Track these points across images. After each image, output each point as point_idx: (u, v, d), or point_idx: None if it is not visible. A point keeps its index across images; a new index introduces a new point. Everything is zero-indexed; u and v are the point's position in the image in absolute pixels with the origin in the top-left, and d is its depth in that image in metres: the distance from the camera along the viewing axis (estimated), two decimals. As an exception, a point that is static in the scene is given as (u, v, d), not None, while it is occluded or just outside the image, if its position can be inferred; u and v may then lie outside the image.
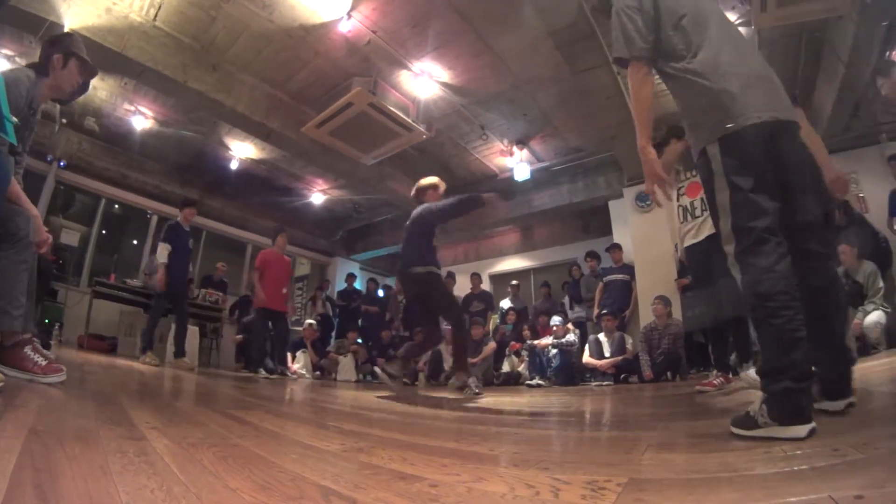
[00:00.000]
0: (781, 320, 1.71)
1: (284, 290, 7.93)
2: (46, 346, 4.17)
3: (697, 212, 4.35)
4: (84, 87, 3.19)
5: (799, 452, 1.38)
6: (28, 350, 2.53)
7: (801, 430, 1.58)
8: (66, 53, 2.96)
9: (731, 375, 4.31)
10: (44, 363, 2.54)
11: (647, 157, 2.29)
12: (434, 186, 5.56)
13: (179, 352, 6.97)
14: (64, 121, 8.38)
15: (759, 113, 1.90)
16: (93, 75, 3.18)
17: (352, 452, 1.61)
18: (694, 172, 4.33)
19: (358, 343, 9.80)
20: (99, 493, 0.94)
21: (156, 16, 6.06)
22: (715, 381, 4.22)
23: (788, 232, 1.88)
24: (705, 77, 2.00)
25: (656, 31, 2.18)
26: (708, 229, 4.11)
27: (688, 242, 4.43)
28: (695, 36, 2.09)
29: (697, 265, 4.39)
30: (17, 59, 6.51)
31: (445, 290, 5.23)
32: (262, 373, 7.19)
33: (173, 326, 7.14)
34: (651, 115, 2.33)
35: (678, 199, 4.57)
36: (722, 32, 2.10)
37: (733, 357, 4.46)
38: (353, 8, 5.90)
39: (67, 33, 3.48)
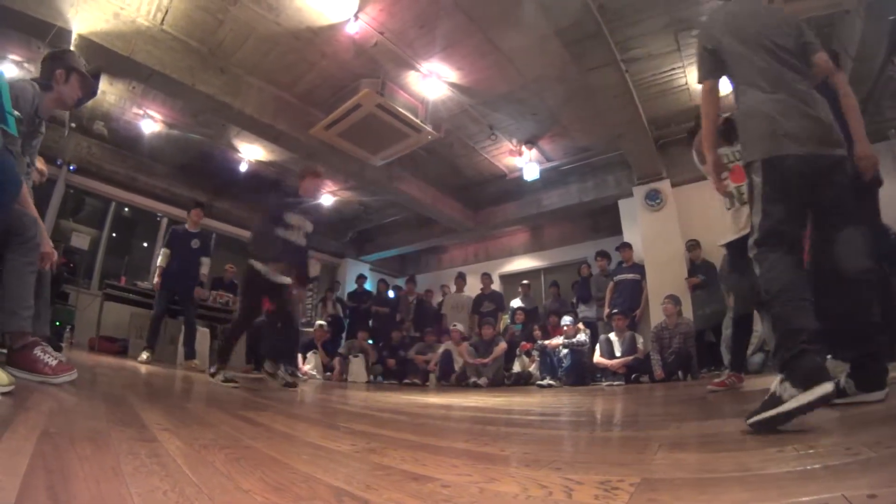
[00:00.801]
0: (786, 304, 1.95)
1: (294, 292, 7.97)
2: (57, 349, 4.19)
3: (745, 197, 4.04)
4: (92, 93, 3.26)
5: (812, 451, 1.36)
6: (38, 352, 2.54)
7: (827, 386, 1.67)
8: (67, 69, 3.08)
9: (743, 375, 4.26)
10: (54, 363, 2.55)
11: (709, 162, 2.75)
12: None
13: (189, 353, 7.06)
14: (73, 125, 8.43)
15: (800, 145, 2.14)
16: (92, 90, 3.32)
17: (363, 453, 1.61)
18: (737, 155, 4.12)
19: (369, 343, 9.81)
20: (111, 494, 0.94)
21: (163, 20, 6.08)
22: (727, 381, 4.18)
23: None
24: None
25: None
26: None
27: (725, 239, 4.20)
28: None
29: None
30: (26, 64, 6.55)
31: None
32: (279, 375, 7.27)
33: (183, 329, 7.27)
34: (712, 128, 2.70)
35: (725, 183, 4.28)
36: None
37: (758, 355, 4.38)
38: (360, 9, 5.90)
39: (67, 49, 3.58)
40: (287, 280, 5.01)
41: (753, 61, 2.35)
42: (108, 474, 1.07)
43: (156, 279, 7.05)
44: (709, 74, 2.57)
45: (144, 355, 6.59)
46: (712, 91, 2.60)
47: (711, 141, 2.71)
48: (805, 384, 1.69)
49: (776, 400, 1.75)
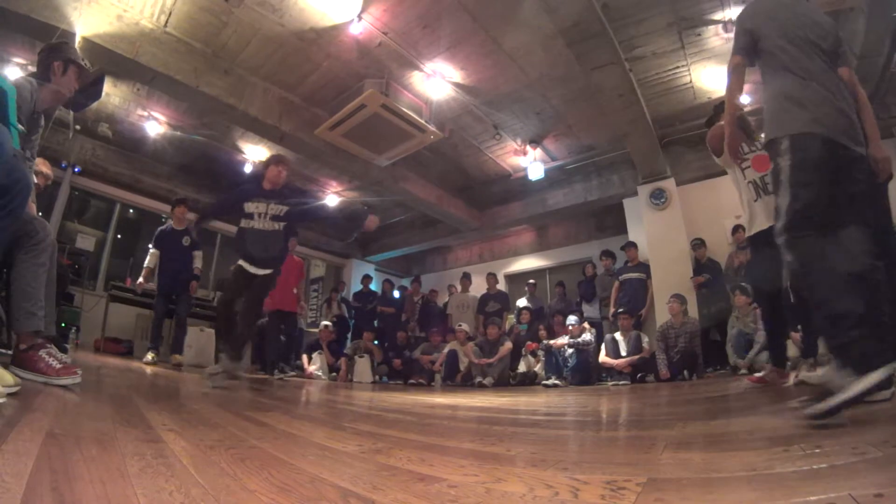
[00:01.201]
0: (825, 289, 1.96)
1: (294, 291, 8.00)
2: (63, 350, 4.20)
3: (770, 187, 3.83)
4: (97, 94, 3.28)
5: (818, 451, 1.35)
6: (43, 353, 2.55)
7: (884, 371, 1.68)
8: (65, 60, 3.08)
9: (787, 371, 4.11)
10: (58, 366, 2.56)
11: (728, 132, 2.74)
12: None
13: (176, 349, 7.09)
14: (77, 127, 8.45)
15: (827, 131, 2.17)
16: (88, 81, 3.31)
17: (369, 453, 1.60)
18: (758, 145, 4.04)
19: (374, 344, 9.81)
20: (117, 495, 0.94)
21: (167, 22, 6.09)
22: (767, 377, 4.12)
23: None
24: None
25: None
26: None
27: (759, 227, 3.93)
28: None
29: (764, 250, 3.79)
30: (30, 67, 6.56)
31: None
32: (283, 373, 7.38)
33: (174, 324, 7.30)
34: (734, 99, 2.74)
35: (744, 174, 4.09)
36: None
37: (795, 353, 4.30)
38: (363, 10, 5.90)
39: (64, 42, 3.57)
40: (263, 271, 4.86)
41: (788, 49, 2.38)
42: (113, 475, 1.06)
43: (140, 279, 7.04)
44: (740, 51, 2.61)
45: (150, 356, 6.59)
46: (738, 66, 2.63)
47: (732, 112, 2.75)
48: (861, 369, 1.68)
49: (836, 387, 1.73)
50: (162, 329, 7.14)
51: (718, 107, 4.38)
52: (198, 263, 7.27)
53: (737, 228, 7.78)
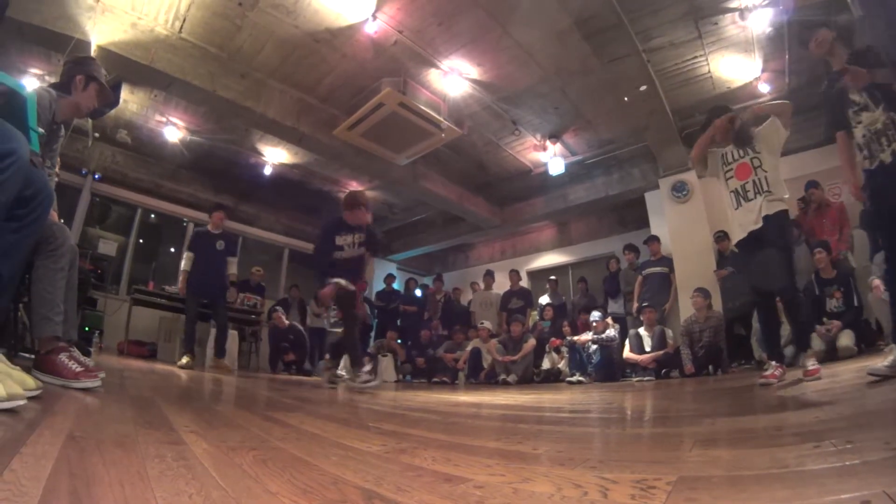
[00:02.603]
0: None
1: None
2: (86, 353, 4.23)
3: (750, 195, 4.13)
4: (114, 103, 3.30)
5: (850, 446, 1.31)
6: (63, 357, 2.56)
7: None
8: (87, 76, 3.11)
9: (784, 366, 4.16)
10: (79, 369, 2.56)
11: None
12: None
13: (219, 353, 7.14)
14: (97, 135, 8.57)
15: None
16: (112, 100, 3.36)
17: (394, 454, 1.58)
18: (741, 153, 4.19)
19: (398, 343, 9.82)
20: (136, 498, 0.92)
21: (181, 28, 6.15)
22: (776, 373, 4.08)
23: None
24: None
25: None
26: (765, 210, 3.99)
27: (743, 232, 4.21)
28: None
29: (747, 255, 4.22)
30: (47, 77, 6.65)
31: None
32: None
33: (213, 331, 7.37)
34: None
35: (727, 183, 4.32)
36: None
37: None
38: (377, 9, 5.90)
39: (90, 57, 3.61)
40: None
41: None
42: (133, 478, 1.04)
43: (180, 284, 7.09)
44: None
45: (184, 360, 6.58)
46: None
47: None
48: None
49: None
50: (195, 331, 7.11)
51: (713, 111, 4.47)
52: (233, 269, 7.28)
53: (720, 238, 7.72)
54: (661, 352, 7.17)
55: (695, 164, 4.56)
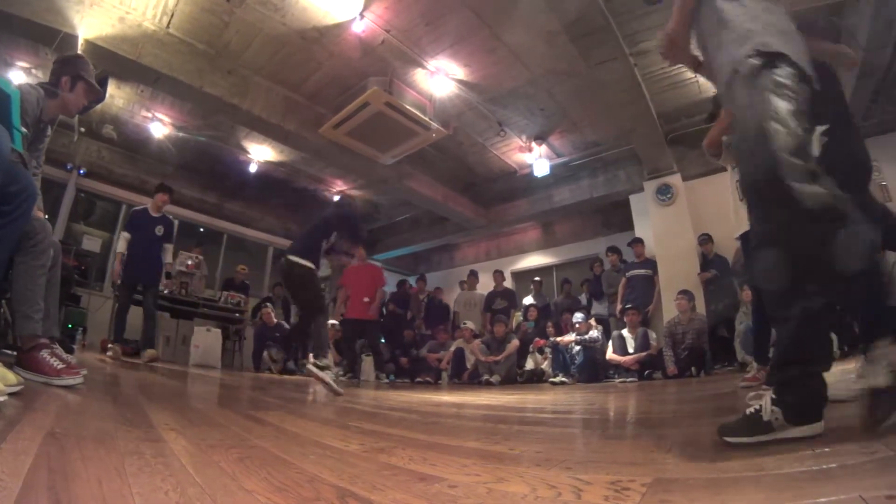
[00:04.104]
0: None
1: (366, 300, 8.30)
2: (69, 351, 4.21)
3: None
4: (100, 98, 3.28)
5: (827, 450, 1.32)
6: (45, 353, 2.56)
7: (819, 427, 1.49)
8: (74, 76, 3.10)
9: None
10: (60, 366, 2.56)
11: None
12: None
13: (147, 343, 6.63)
14: (82, 129, 8.50)
15: None
16: (98, 98, 3.33)
17: (372, 453, 1.59)
18: None
19: (381, 342, 9.82)
20: (112, 494, 0.93)
21: (169, 23, 6.11)
22: (758, 375, 4.11)
23: None
24: None
25: None
26: None
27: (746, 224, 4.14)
28: None
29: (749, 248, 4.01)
30: (34, 70, 6.60)
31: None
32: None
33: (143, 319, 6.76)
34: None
35: (734, 172, 4.15)
36: None
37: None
38: (365, 8, 5.90)
39: (78, 55, 3.58)
40: None
41: None
42: (110, 474, 1.05)
43: (115, 268, 6.57)
44: None
45: (111, 351, 6.31)
46: None
47: None
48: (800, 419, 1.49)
49: (765, 425, 1.53)
50: (125, 320, 6.66)
51: (717, 100, 4.36)
52: (168, 258, 6.84)
53: (703, 240, 7.75)
54: (644, 353, 7.21)
55: (709, 150, 4.40)
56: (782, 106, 1.53)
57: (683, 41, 2.14)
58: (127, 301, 6.68)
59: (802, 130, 1.50)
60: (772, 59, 1.63)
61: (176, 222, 7.44)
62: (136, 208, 6.92)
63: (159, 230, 6.68)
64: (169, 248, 6.84)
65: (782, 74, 1.59)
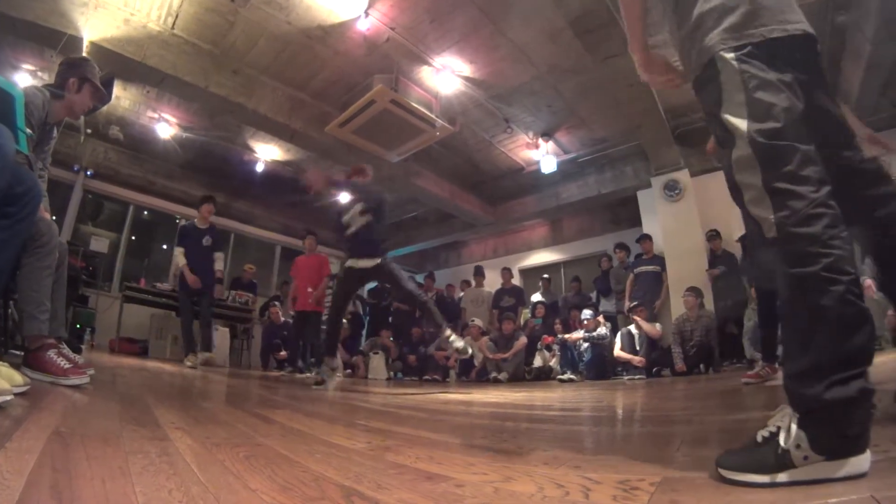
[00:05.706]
0: None
1: (309, 290, 8.01)
2: (77, 351, 4.23)
3: None
4: (107, 98, 3.29)
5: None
6: (52, 353, 2.57)
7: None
8: (81, 78, 3.09)
9: (777, 366, 4.15)
10: (67, 366, 2.57)
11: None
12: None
13: (206, 346, 6.89)
14: (88, 131, 8.51)
15: None
16: (104, 101, 3.35)
17: (378, 451, 1.58)
18: None
19: (390, 340, 9.82)
20: (116, 493, 0.92)
21: (174, 24, 6.12)
22: (761, 373, 4.09)
23: None
24: None
25: None
26: None
27: None
28: None
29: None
30: (39, 73, 6.62)
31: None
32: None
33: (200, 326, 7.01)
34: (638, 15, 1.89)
35: None
36: None
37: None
38: (370, 6, 5.88)
39: (85, 58, 3.58)
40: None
41: None
42: (114, 473, 1.05)
43: (190, 279, 6.66)
44: None
45: (189, 362, 6.47)
46: None
47: None
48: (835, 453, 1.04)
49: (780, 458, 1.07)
50: (192, 331, 6.83)
51: None
52: (219, 265, 7.02)
53: (712, 237, 7.70)
54: (652, 351, 7.19)
55: (713, 155, 4.38)
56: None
57: (653, 58, 1.97)
58: (189, 314, 6.88)
59: None
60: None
61: (232, 234, 7.72)
62: (184, 223, 7.40)
63: (207, 241, 6.93)
64: (220, 256, 7.07)
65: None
